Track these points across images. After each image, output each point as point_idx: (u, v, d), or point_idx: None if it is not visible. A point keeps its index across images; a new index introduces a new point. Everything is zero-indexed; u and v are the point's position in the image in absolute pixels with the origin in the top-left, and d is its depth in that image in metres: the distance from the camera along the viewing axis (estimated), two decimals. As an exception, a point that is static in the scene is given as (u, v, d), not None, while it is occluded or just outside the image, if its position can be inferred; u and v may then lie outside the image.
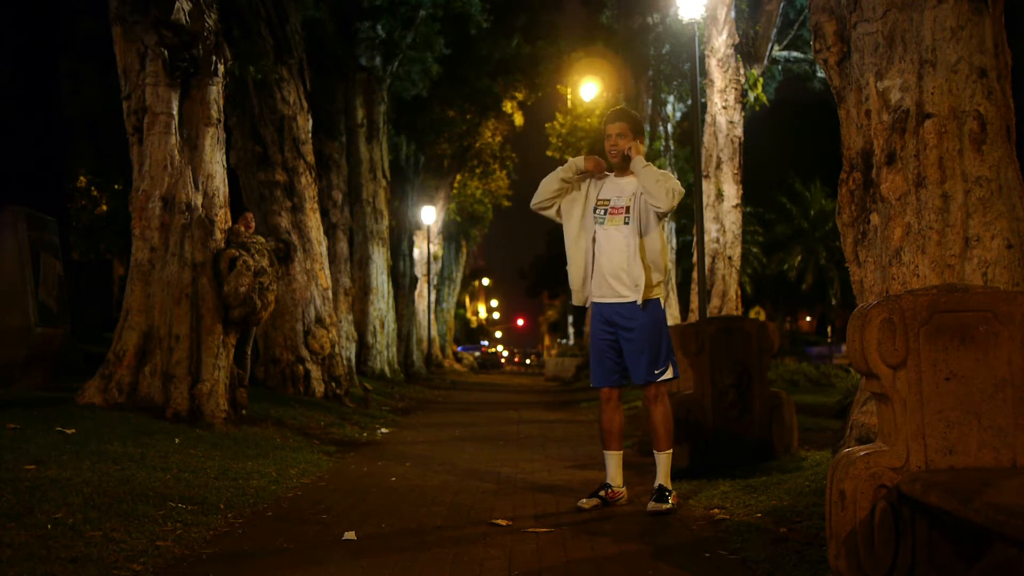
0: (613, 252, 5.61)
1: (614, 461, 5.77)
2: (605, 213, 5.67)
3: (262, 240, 9.41)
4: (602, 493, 5.68)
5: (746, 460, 6.97)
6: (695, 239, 12.39)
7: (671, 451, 5.70)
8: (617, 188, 5.70)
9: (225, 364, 8.59)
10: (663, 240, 5.69)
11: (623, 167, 5.73)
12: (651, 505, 5.45)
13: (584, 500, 5.63)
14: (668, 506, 5.41)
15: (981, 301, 3.13)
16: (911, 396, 3.08)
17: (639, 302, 5.53)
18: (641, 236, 5.58)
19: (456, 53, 22.07)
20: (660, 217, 5.59)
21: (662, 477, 5.61)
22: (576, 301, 5.84)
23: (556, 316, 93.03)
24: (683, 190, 5.57)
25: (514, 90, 29.71)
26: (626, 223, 5.59)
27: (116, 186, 27.84)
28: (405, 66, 20.37)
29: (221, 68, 9.10)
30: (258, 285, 8.74)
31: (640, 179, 5.57)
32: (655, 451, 5.68)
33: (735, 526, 4.90)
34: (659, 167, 17.71)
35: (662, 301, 5.68)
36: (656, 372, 5.61)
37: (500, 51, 26.32)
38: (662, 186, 5.46)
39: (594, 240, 5.70)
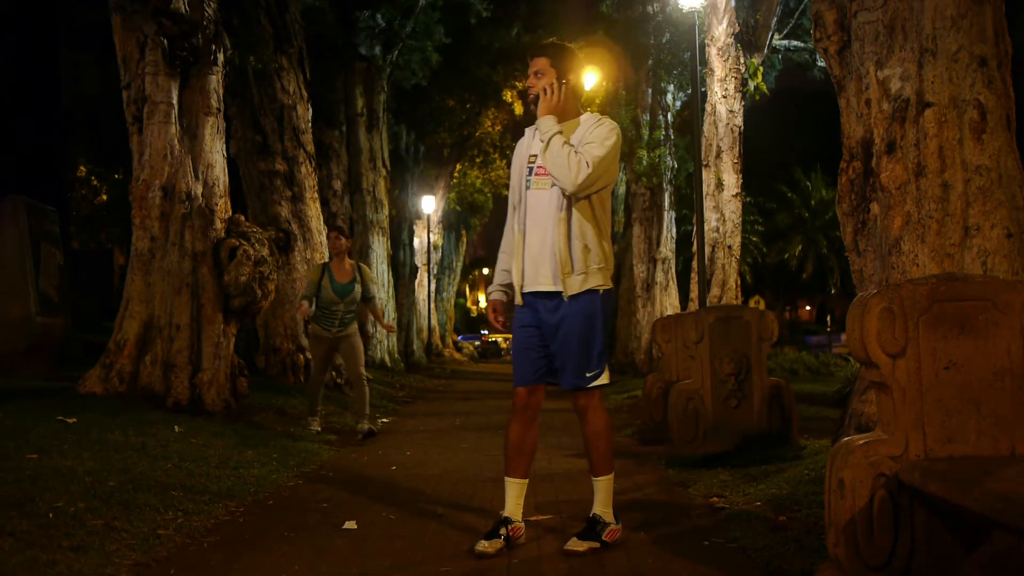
0: (535, 225, 4.40)
1: (515, 490, 4.50)
2: (531, 173, 4.47)
3: (262, 229, 9.42)
4: (502, 531, 4.39)
5: (745, 449, 6.98)
6: (695, 228, 12.40)
7: (611, 476, 4.47)
8: None
9: (226, 353, 8.59)
10: (602, 212, 4.43)
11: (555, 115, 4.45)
12: (571, 543, 4.33)
13: (485, 543, 4.29)
14: (592, 545, 4.30)
15: (980, 290, 3.13)
16: (910, 385, 3.08)
17: (565, 295, 4.33)
18: (570, 206, 4.35)
19: (456, 42, 22.01)
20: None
21: (599, 505, 4.43)
22: (516, 299, 4.55)
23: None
24: (590, 165, 4.22)
25: (514, 79, 29.62)
26: (553, 185, 4.35)
27: (116, 175, 27.81)
28: (405, 55, 20.33)
29: (221, 57, 9.08)
30: (258, 274, 8.74)
31: (544, 160, 4.37)
32: (592, 476, 4.49)
33: (734, 514, 4.92)
34: (658, 156, 17.47)
35: (600, 292, 4.37)
36: (588, 376, 4.38)
37: (500, 40, 26.25)
38: (562, 160, 4.25)
39: (526, 209, 4.49)
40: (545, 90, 4.39)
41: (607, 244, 4.39)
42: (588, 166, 4.19)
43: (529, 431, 4.50)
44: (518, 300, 4.48)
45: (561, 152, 4.23)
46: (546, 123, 4.35)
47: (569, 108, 4.46)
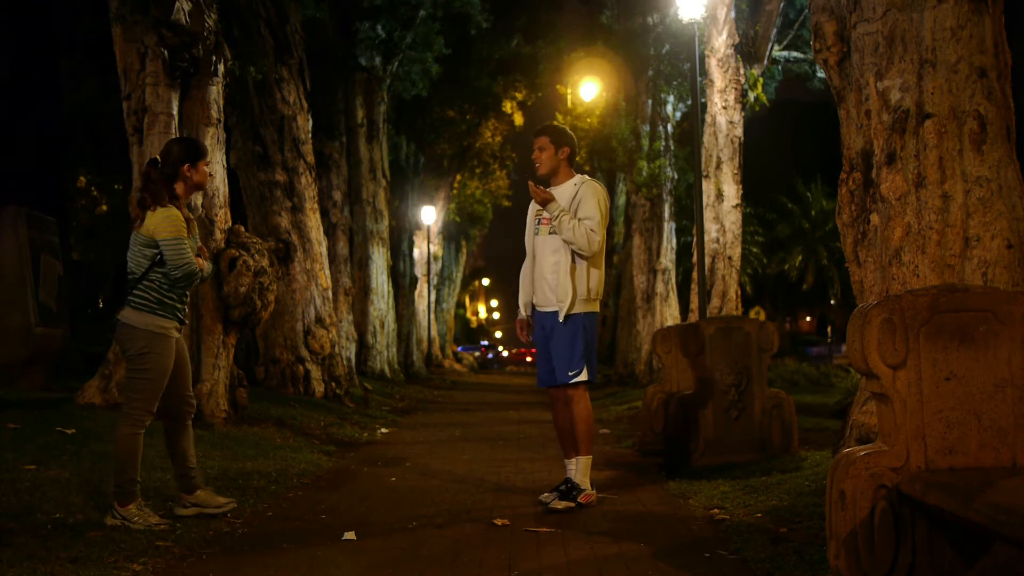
0: (544, 263, 5.86)
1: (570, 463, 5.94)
2: (539, 223, 5.95)
3: (261, 240, 9.40)
4: (562, 486, 5.82)
5: (746, 460, 6.97)
6: (695, 239, 12.39)
7: (589, 457, 5.84)
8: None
9: (225, 364, 8.58)
10: (591, 264, 5.80)
11: (552, 177, 5.97)
12: (553, 502, 5.65)
13: (547, 495, 5.85)
14: (568, 504, 5.60)
15: (981, 301, 3.13)
16: (911, 396, 3.08)
17: (560, 316, 5.74)
18: (564, 250, 5.78)
19: (456, 53, 22.03)
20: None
21: (577, 476, 5.77)
22: (522, 311, 6.13)
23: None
24: (596, 232, 5.69)
25: (514, 90, 29.71)
26: (551, 232, 5.83)
27: (116, 186, 27.80)
28: (405, 66, 20.35)
29: (221, 68, 9.09)
30: (258, 285, 8.73)
31: (560, 233, 5.77)
32: (575, 455, 5.85)
33: (735, 526, 4.90)
34: (658, 167, 17.60)
35: (583, 314, 5.78)
36: (570, 374, 5.77)
37: (500, 51, 26.30)
38: (576, 231, 5.67)
39: (535, 250, 5.97)
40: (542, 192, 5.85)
41: (595, 277, 5.80)
42: (596, 232, 5.69)
43: (564, 413, 5.89)
44: (525, 313, 6.09)
45: (575, 228, 5.66)
46: (552, 207, 5.77)
47: (563, 171, 5.95)
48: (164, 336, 4.98)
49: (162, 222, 4.91)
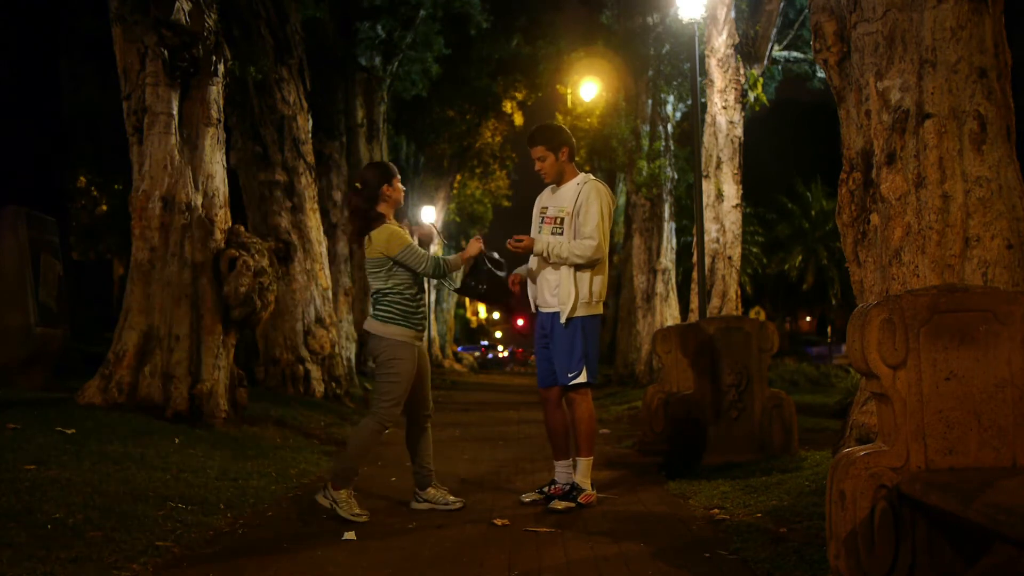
0: (546, 263, 5.79)
1: (562, 468, 5.97)
2: (542, 221, 5.90)
3: (261, 240, 9.40)
4: (546, 489, 5.95)
5: (746, 460, 6.97)
6: (695, 239, 12.39)
7: (591, 458, 5.83)
8: (556, 199, 5.87)
9: (225, 364, 8.58)
10: (594, 269, 5.73)
11: (559, 180, 5.87)
12: (553, 503, 5.66)
13: (531, 494, 6.00)
14: (568, 504, 5.61)
15: (981, 301, 3.13)
16: (911, 396, 3.08)
17: (562, 319, 5.69)
18: None
19: (456, 53, 22.02)
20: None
21: (578, 477, 5.78)
22: (532, 307, 6.03)
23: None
24: (594, 237, 5.60)
25: (514, 90, 29.72)
26: (554, 233, 5.77)
27: (116, 186, 27.80)
28: (405, 66, 20.33)
29: (221, 68, 9.08)
30: (258, 285, 8.72)
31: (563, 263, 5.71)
32: (575, 456, 5.87)
33: (735, 526, 4.90)
34: (658, 167, 17.57)
35: (584, 317, 5.72)
36: (569, 376, 5.73)
37: (500, 51, 26.30)
38: (573, 255, 5.62)
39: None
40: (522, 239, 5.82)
41: (598, 281, 5.74)
42: (592, 239, 5.60)
43: (555, 414, 5.97)
44: (534, 309, 5.98)
45: (571, 254, 5.60)
46: (538, 248, 5.73)
47: (567, 171, 5.86)
48: (407, 344, 5.55)
49: (389, 240, 5.46)
